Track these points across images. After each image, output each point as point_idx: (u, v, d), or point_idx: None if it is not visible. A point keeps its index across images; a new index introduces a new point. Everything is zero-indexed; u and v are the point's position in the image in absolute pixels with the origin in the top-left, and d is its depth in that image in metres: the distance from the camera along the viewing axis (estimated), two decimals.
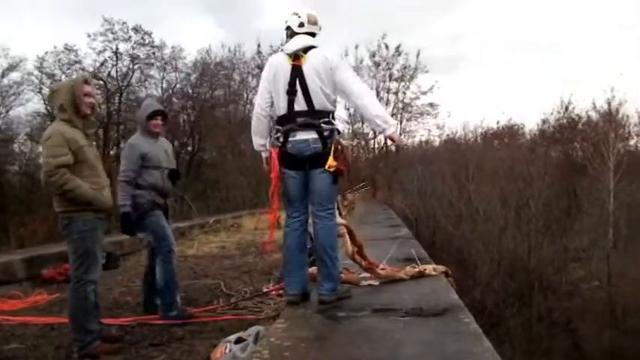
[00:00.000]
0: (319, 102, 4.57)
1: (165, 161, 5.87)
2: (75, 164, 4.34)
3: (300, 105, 4.61)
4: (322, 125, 4.56)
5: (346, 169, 4.63)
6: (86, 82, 4.64)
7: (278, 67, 4.75)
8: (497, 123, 40.24)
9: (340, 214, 5.35)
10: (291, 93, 4.62)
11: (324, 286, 4.62)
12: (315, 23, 4.82)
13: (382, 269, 5.66)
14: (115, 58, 29.62)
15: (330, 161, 4.48)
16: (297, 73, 4.61)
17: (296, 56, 4.66)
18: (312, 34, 4.80)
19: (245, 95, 34.76)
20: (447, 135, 40.35)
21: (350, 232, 5.38)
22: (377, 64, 37.50)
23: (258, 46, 33.69)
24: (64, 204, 4.39)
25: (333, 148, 4.52)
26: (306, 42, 4.70)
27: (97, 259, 4.48)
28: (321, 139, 4.55)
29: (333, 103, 4.67)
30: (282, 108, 4.70)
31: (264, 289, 6.71)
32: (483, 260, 24.55)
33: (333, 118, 4.65)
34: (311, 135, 4.58)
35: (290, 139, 4.66)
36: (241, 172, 27.83)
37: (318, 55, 4.62)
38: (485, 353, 3.29)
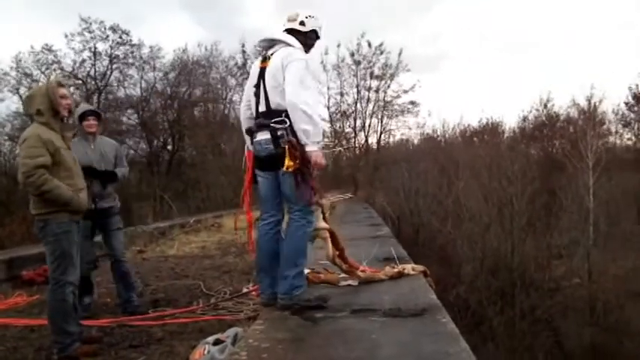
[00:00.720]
0: (274, 101, 4.54)
1: (97, 163, 5.95)
2: (52, 166, 4.36)
3: (261, 106, 4.64)
4: (273, 125, 4.50)
5: (307, 168, 4.49)
6: (60, 84, 4.65)
7: (252, 71, 4.85)
8: (480, 121, 40.48)
9: (324, 217, 5.29)
10: (256, 95, 4.68)
11: (279, 288, 4.64)
12: (293, 20, 4.81)
13: (362, 271, 5.67)
14: (93, 58, 29.41)
15: (287, 162, 4.39)
16: (261, 74, 4.65)
17: (264, 58, 4.70)
18: (293, 31, 4.79)
19: (224, 94, 34.80)
20: (427, 133, 40.48)
21: (332, 235, 5.36)
22: (357, 63, 37.47)
23: (243, 45, 33.69)
24: (40, 206, 4.41)
25: (287, 148, 4.42)
26: (273, 36, 4.77)
27: (73, 261, 4.48)
28: (273, 140, 4.51)
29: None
30: (253, 110, 4.76)
31: (244, 290, 6.71)
32: (467, 258, 24.62)
33: (287, 115, 4.46)
34: (265, 136, 4.59)
35: (253, 140, 4.74)
36: (222, 172, 27.69)
37: (282, 54, 4.60)
38: (461, 354, 3.32)
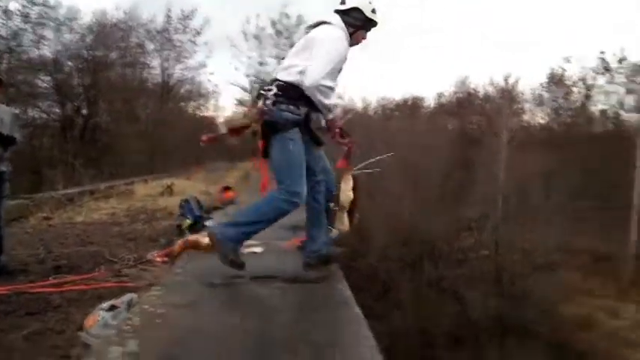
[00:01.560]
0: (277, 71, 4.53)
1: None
2: None
3: None
4: (263, 91, 4.46)
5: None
6: None
7: None
8: (402, 96, 41.13)
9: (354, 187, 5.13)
10: None
11: (223, 225, 4.60)
12: (342, 2, 4.64)
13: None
14: (4, 17, 28.00)
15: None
16: None
17: None
18: (338, 12, 4.61)
19: (143, 58, 34.09)
20: (346, 106, 40.77)
21: (352, 209, 5.21)
22: (279, 33, 37.32)
23: (169, 10, 33.15)
24: None
25: None
26: (317, 20, 4.64)
27: None
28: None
29: (298, 73, 4.33)
30: None
31: (148, 257, 6.63)
32: (379, 228, 24.98)
33: (279, 87, 4.36)
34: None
35: None
36: (137, 138, 27.21)
37: (313, 29, 4.55)
38: (353, 319, 3.42)
